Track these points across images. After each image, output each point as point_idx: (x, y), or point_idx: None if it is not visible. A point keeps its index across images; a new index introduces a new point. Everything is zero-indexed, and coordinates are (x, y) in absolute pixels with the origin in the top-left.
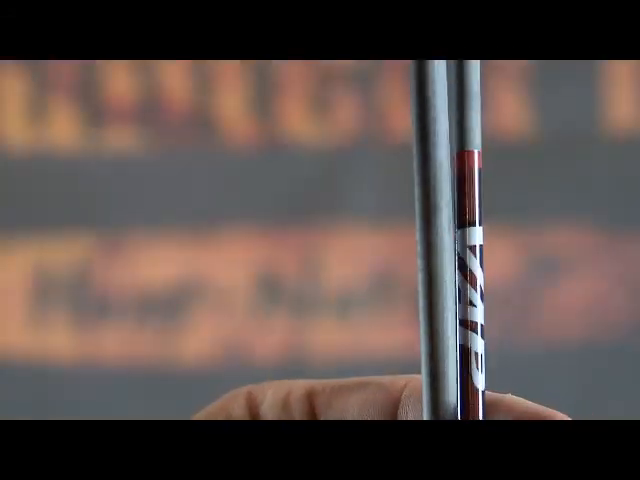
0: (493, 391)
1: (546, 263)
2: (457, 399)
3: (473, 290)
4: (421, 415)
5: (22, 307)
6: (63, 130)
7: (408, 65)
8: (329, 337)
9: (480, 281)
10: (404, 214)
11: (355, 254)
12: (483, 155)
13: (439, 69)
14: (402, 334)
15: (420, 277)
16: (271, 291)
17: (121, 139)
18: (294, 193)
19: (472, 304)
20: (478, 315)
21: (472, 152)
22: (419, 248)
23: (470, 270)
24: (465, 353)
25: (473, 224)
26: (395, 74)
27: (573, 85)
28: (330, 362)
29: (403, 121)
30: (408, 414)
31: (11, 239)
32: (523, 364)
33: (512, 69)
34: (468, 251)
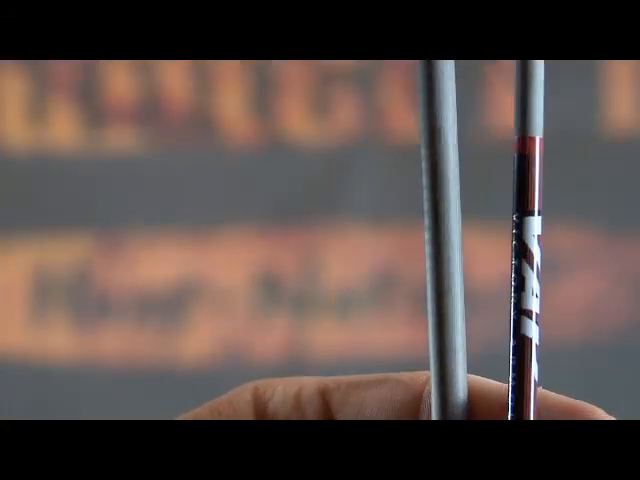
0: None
1: (546, 263)
2: (466, 399)
3: (537, 280)
4: None
5: (22, 307)
6: (63, 130)
7: (408, 65)
8: (329, 337)
9: (540, 272)
10: (404, 214)
11: (355, 254)
12: (483, 155)
13: (446, 69)
14: (402, 334)
15: (429, 277)
16: (271, 291)
17: (121, 139)
18: (294, 193)
19: (534, 294)
20: (537, 305)
21: (534, 138)
22: (428, 249)
23: (534, 259)
24: (526, 344)
25: (533, 213)
26: (395, 74)
27: (573, 85)
28: (330, 362)
29: (403, 121)
30: (431, 410)
31: (11, 239)
32: None
33: (512, 69)
34: (533, 240)
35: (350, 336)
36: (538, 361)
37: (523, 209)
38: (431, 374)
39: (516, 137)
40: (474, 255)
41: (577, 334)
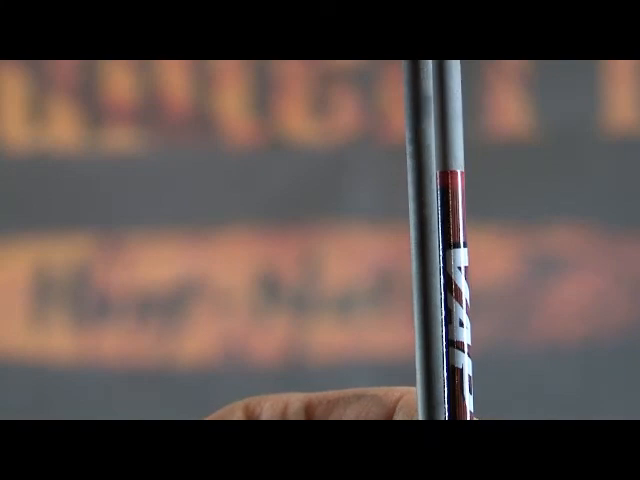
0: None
1: (546, 263)
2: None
3: (464, 311)
4: None
5: (22, 307)
6: (63, 130)
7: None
8: (329, 337)
9: (468, 302)
10: (404, 214)
11: (355, 254)
12: (484, 155)
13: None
14: (402, 334)
15: (415, 297)
16: (271, 291)
17: (121, 139)
18: (294, 193)
19: (462, 325)
20: (468, 336)
21: (455, 172)
22: (414, 267)
23: (460, 291)
24: (457, 375)
25: (458, 246)
26: (395, 74)
27: (573, 85)
28: (330, 362)
29: (403, 121)
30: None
31: (11, 239)
32: (523, 364)
33: (512, 69)
34: (458, 272)
35: (350, 336)
36: (471, 391)
37: (448, 242)
38: (417, 398)
39: (438, 172)
40: (473, 256)
41: (577, 334)
